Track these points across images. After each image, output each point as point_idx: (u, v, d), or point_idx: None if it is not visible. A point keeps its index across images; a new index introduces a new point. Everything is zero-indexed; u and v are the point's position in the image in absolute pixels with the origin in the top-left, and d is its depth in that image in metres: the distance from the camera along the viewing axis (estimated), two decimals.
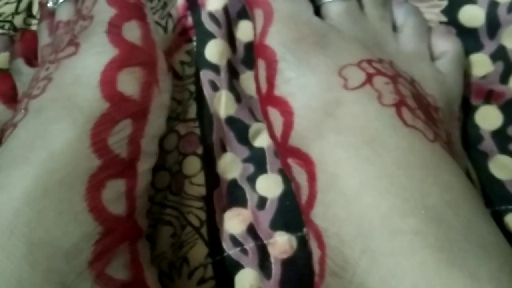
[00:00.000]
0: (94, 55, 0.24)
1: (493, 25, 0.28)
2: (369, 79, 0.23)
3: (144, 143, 0.24)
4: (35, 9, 0.33)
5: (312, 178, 0.21)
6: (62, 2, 0.29)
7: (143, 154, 0.23)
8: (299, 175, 0.22)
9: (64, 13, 0.28)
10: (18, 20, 0.33)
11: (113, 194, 0.22)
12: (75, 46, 0.24)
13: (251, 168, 0.28)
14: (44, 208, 0.20)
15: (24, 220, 0.19)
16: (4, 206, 0.19)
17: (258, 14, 0.26)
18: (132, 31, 0.25)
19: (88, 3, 0.26)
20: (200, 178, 0.27)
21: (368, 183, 0.19)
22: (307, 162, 0.22)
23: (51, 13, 0.30)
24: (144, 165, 0.24)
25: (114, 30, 0.24)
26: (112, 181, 0.22)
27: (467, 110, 0.28)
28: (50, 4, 0.30)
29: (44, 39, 0.29)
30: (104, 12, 0.25)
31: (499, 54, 0.28)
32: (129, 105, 0.23)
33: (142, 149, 0.23)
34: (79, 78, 0.23)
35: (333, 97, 0.22)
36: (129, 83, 0.23)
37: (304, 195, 0.22)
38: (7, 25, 0.33)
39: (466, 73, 0.28)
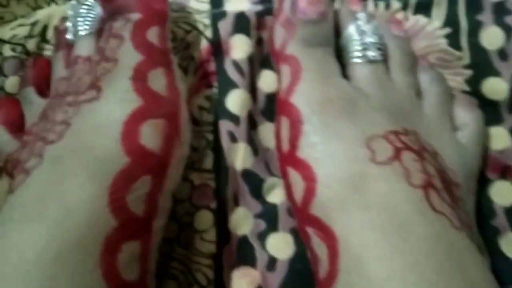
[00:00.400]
0: (117, 103, 0.23)
1: None
2: (397, 154, 0.22)
3: (161, 200, 0.23)
4: (50, 34, 0.32)
5: (334, 255, 0.21)
6: (83, 36, 0.28)
7: (159, 212, 0.23)
8: (319, 247, 0.22)
9: (85, 48, 0.27)
10: (31, 44, 0.32)
11: (128, 258, 0.20)
12: (97, 90, 0.23)
13: (262, 225, 0.27)
14: (57, 273, 0.18)
15: (36, 285, 0.18)
16: (16, 268, 0.18)
17: (285, 69, 0.26)
18: (157, 80, 0.24)
19: (112, 44, 0.25)
20: (212, 234, 0.26)
21: (395, 273, 0.19)
22: (329, 236, 0.21)
23: (69, 44, 0.29)
24: (159, 223, 0.23)
25: (139, 77, 0.24)
26: (127, 243, 0.21)
27: (482, 183, 0.28)
28: (69, 36, 0.29)
29: (60, 71, 0.28)
30: (130, 57, 0.24)
31: None
32: (150, 160, 0.22)
33: (159, 206, 0.22)
34: (100, 127, 0.22)
35: (359, 170, 0.22)
36: (151, 136, 0.22)
37: (323, 270, 0.21)
38: (19, 48, 0.32)
39: (484, 146, 0.28)
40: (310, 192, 0.22)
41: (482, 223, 0.27)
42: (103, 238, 0.20)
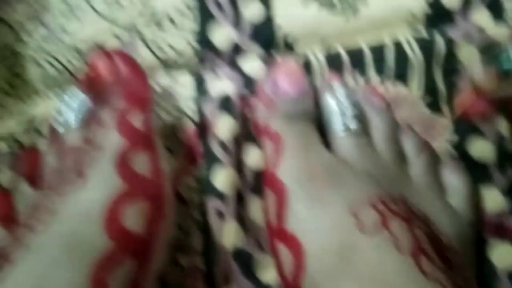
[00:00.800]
0: (101, 189, 0.23)
1: (502, 160, 0.28)
2: (384, 222, 0.22)
3: (146, 283, 0.22)
4: (45, 129, 0.33)
5: None
6: (72, 128, 0.29)
7: None
8: None
9: (74, 139, 0.28)
10: (26, 139, 0.33)
11: None
12: (83, 178, 0.24)
13: None
14: None
15: None
16: None
17: (269, 145, 0.26)
18: (141, 163, 0.25)
19: (98, 132, 0.26)
20: None
21: None
22: None
23: (61, 137, 0.29)
24: None
25: (123, 161, 0.24)
26: None
27: (482, 247, 0.27)
28: (60, 129, 0.30)
29: (51, 163, 0.28)
30: (114, 143, 0.25)
31: (510, 189, 0.28)
32: (133, 242, 0.22)
33: None
34: (84, 213, 0.22)
35: (348, 241, 0.21)
36: (135, 218, 0.23)
37: None
38: (14, 144, 0.33)
39: (478, 208, 0.27)
40: (299, 266, 0.22)
41: None
42: None
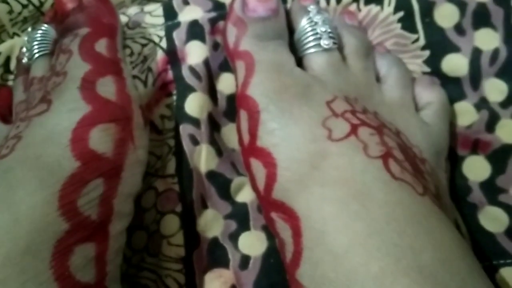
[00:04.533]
0: (66, 113, 0.23)
1: (475, 77, 0.28)
2: (354, 130, 0.22)
3: (117, 203, 0.22)
4: (13, 65, 0.33)
5: (297, 234, 0.20)
6: (36, 58, 0.29)
7: (115, 215, 0.22)
8: (284, 230, 0.21)
9: (39, 69, 0.28)
10: None
11: (82, 260, 0.20)
12: (47, 103, 0.23)
13: (233, 225, 0.26)
14: (6, 278, 0.18)
15: None
16: None
17: (240, 65, 0.26)
18: (106, 87, 0.24)
19: (62, 59, 0.25)
20: (179, 238, 0.26)
21: (357, 240, 0.18)
22: (291, 217, 0.21)
23: (27, 69, 0.29)
24: (117, 227, 0.22)
25: (87, 86, 0.24)
26: (81, 245, 0.20)
27: (454, 161, 0.27)
28: (25, 60, 0.29)
29: (19, 95, 0.28)
30: (78, 68, 0.24)
31: (482, 104, 0.28)
32: (101, 163, 0.22)
33: (115, 210, 0.22)
34: (50, 136, 0.22)
35: (317, 149, 0.22)
36: (102, 140, 0.22)
37: (289, 252, 0.21)
38: None
39: (451, 123, 0.28)
40: (271, 178, 0.22)
41: (459, 200, 0.27)
42: (54, 241, 0.19)
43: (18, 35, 0.34)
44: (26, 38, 0.30)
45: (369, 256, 0.18)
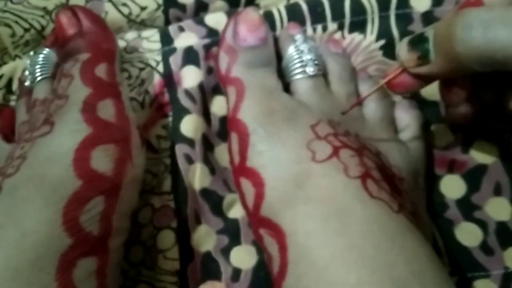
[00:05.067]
0: (69, 134, 0.24)
1: None
2: (335, 152, 0.24)
3: (116, 220, 0.24)
4: (15, 86, 0.34)
5: (283, 248, 0.22)
6: (39, 81, 0.30)
7: (114, 231, 0.24)
8: (271, 245, 0.23)
9: (41, 92, 0.29)
10: None
11: (84, 273, 0.22)
12: (50, 124, 0.25)
13: (225, 240, 0.28)
14: None
15: None
16: None
17: (231, 90, 0.27)
18: (106, 109, 0.26)
19: (63, 82, 0.27)
20: (174, 252, 0.27)
21: (337, 254, 0.20)
22: (278, 233, 0.22)
23: (29, 91, 0.31)
24: (116, 242, 0.24)
25: (88, 108, 0.25)
26: (83, 259, 0.22)
27: (432, 179, 0.29)
28: (27, 83, 0.31)
29: (22, 116, 0.30)
30: (79, 92, 0.26)
31: (458, 125, 0.30)
32: (102, 182, 0.23)
33: (114, 226, 0.24)
34: (53, 156, 0.23)
35: (302, 169, 0.23)
36: (102, 160, 0.24)
37: (275, 266, 0.22)
38: None
39: (429, 144, 0.29)
40: (259, 196, 0.24)
41: (437, 217, 0.28)
42: (59, 255, 0.21)
43: (20, 57, 0.35)
44: (28, 62, 0.32)
45: (348, 268, 0.20)
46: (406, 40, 0.24)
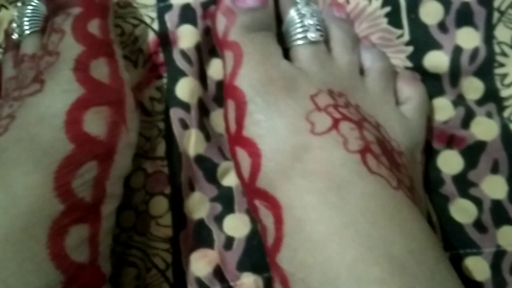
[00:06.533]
0: (60, 94, 0.23)
1: (455, 74, 0.29)
2: (335, 124, 0.23)
3: (109, 185, 0.23)
4: (1, 39, 0.32)
5: (279, 221, 0.21)
6: (28, 35, 0.29)
7: (107, 197, 0.23)
8: (266, 217, 0.23)
9: (30, 46, 0.28)
10: None
11: (76, 240, 0.21)
12: (40, 83, 0.24)
13: (218, 208, 0.27)
14: (3, 258, 0.19)
15: None
16: None
17: (228, 55, 0.26)
18: (99, 69, 0.25)
19: (54, 38, 0.26)
20: (167, 219, 0.27)
21: (334, 230, 0.20)
22: (274, 205, 0.22)
23: (17, 45, 0.29)
24: (108, 208, 0.23)
25: (81, 67, 0.24)
26: (75, 226, 0.21)
27: (430, 153, 0.29)
28: (15, 36, 0.29)
29: (9, 71, 0.28)
30: (72, 49, 0.25)
31: (459, 101, 0.29)
32: (94, 146, 0.23)
33: (107, 192, 0.23)
34: (44, 117, 0.22)
35: (300, 142, 0.23)
36: (95, 123, 0.23)
37: (270, 238, 0.22)
38: None
39: (429, 118, 0.29)
40: (255, 167, 0.23)
41: (432, 192, 0.28)
42: (50, 221, 0.20)
43: (6, 7, 0.34)
44: (16, 13, 0.30)
45: (344, 245, 0.19)
46: None
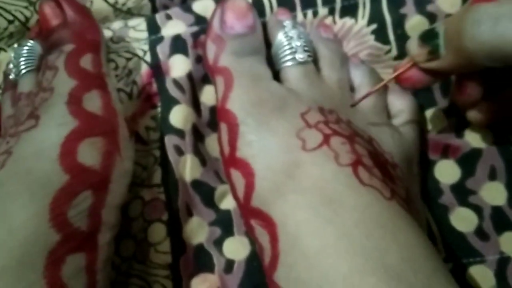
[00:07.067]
0: (54, 127, 0.24)
1: (445, 83, 0.30)
2: (326, 140, 0.23)
3: (105, 214, 0.23)
4: (0, 79, 0.33)
5: (274, 239, 0.21)
6: (24, 74, 0.30)
7: (104, 225, 0.23)
8: (262, 236, 0.22)
9: (26, 85, 0.29)
10: None
11: (73, 269, 0.21)
12: (35, 118, 0.24)
13: (217, 231, 0.28)
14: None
15: None
16: None
17: (219, 80, 0.27)
18: (92, 101, 0.25)
19: (48, 75, 0.26)
20: (166, 246, 0.27)
21: (328, 243, 0.20)
22: (269, 223, 0.22)
23: (14, 84, 0.30)
24: (105, 237, 0.23)
25: (74, 101, 0.25)
26: (72, 255, 0.21)
27: (426, 165, 0.29)
28: (12, 76, 0.30)
29: (7, 110, 0.29)
30: (65, 84, 0.25)
31: (452, 110, 0.29)
32: (89, 176, 0.23)
33: (103, 220, 0.23)
34: (39, 151, 0.23)
35: (292, 159, 0.23)
36: (89, 153, 0.23)
37: (267, 256, 0.22)
38: None
39: (422, 129, 0.29)
40: (250, 187, 0.23)
41: (431, 202, 0.28)
42: (47, 251, 0.21)
43: (4, 50, 0.35)
44: (12, 54, 0.31)
45: (339, 257, 0.19)
46: (416, 35, 0.24)
